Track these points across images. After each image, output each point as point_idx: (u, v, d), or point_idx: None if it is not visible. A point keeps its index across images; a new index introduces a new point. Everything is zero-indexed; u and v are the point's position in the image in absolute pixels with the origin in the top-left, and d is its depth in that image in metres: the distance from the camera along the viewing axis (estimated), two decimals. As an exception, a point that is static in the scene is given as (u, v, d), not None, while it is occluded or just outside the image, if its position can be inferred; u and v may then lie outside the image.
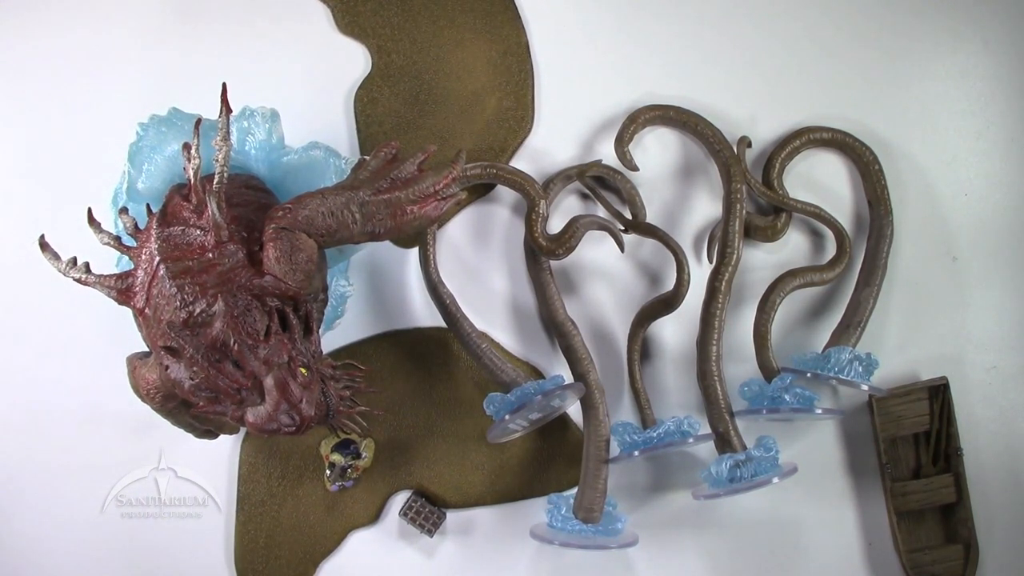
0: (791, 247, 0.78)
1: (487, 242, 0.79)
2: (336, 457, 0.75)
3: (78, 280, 0.64)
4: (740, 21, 0.79)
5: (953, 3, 0.79)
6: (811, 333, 0.77)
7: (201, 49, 0.80)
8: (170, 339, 0.57)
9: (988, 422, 0.76)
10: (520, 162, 0.79)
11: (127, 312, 0.63)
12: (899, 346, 0.76)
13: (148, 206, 0.65)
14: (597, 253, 0.78)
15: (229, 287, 0.59)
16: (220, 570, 0.78)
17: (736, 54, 0.79)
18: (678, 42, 0.79)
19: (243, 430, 0.75)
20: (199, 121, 0.63)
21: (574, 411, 0.77)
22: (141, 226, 0.64)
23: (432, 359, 0.77)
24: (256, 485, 0.77)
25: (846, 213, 0.78)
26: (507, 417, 0.69)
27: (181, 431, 0.69)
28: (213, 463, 0.78)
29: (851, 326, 0.73)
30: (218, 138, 0.60)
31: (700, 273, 0.75)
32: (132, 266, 0.63)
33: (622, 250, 0.75)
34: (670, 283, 0.74)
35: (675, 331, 0.77)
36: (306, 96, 0.79)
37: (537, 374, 0.77)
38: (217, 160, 0.60)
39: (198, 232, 0.61)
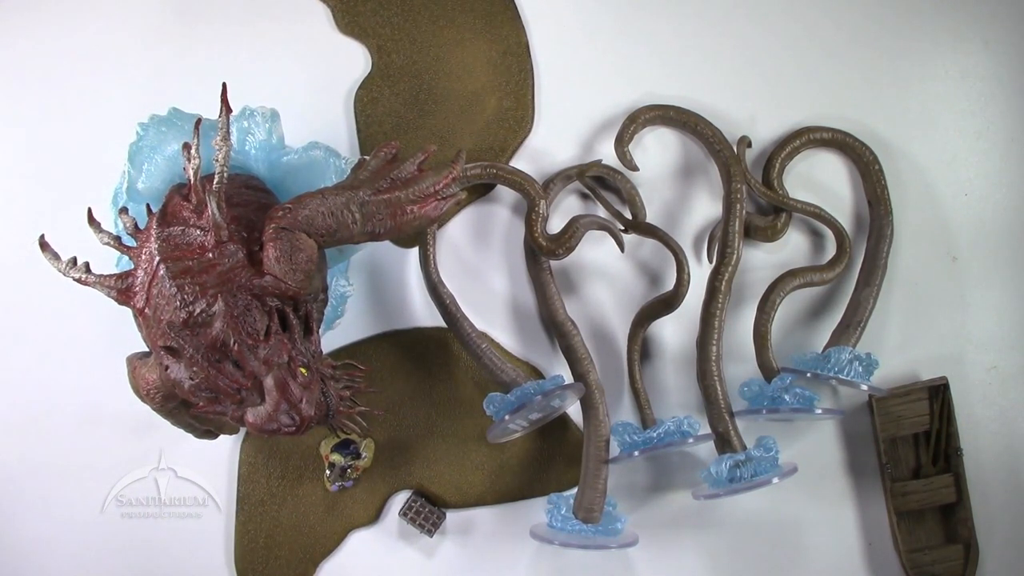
0: (791, 247, 0.78)
1: (487, 242, 0.79)
2: (336, 457, 0.75)
3: (78, 280, 0.63)
4: (740, 21, 0.79)
5: (953, 3, 0.79)
6: (811, 333, 0.77)
7: (201, 49, 0.80)
8: (170, 339, 0.57)
9: (988, 422, 0.76)
10: (520, 162, 0.79)
11: (127, 312, 0.63)
12: (899, 346, 0.76)
13: (148, 206, 0.65)
14: (597, 253, 0.78)
15: (229, 287, 0.59)
16: (220, 570, 0.78)
17: (736, 54, 0.79)
18: (678, 42, 0.79)
19: (243, 430, 0.75)
20: (199, 121, 0.63)
21: (574, 411, 0.77)
22: (141, 226, 0.64)
23: (432, 359, 0.77)
24: (256, 485, 0.77)
25: (846, 213, 0.78)
26: (507, 417, 0.69)
27: (181, 431, 0.69)
28: (213, 463, 0.78)
29: (851, 326, 0.73)
30: (218, 138, 0.60)
31: (700, 273, 0.75)
32: (132, 266, 0.63)
33: (622, 250, 0.75)
34: (670, 283, 0.74)
35: (675, 331, 0.77)
36: (306, 96, 0.79)
37: (537, 374, 0.77)
38: (217, 160, 0.60)
39: (198, 232, 0.61)
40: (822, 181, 0.78)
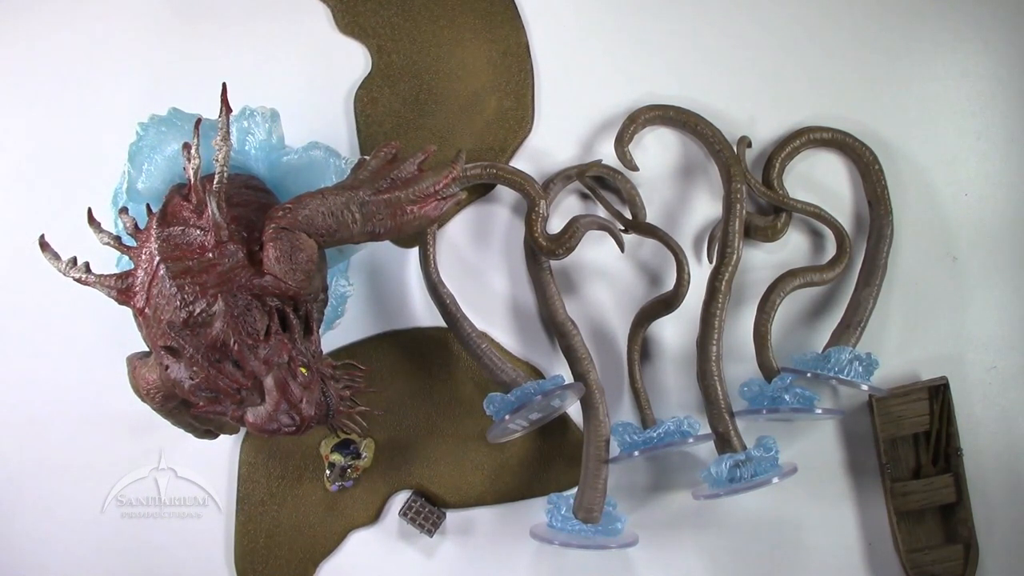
0: (791, 247, 0.78)
1: (487, 242, 0.79)
2: (336, 457, 0.75)
3: (78, 280, 0.63)
4: (740, 21, 0.79)
5: (953, 3, 0.79)
6: (811, 333, 0.77)
7: (201, 49, 0.80)
8: (170, 339, 0.57)
9: (988, 422, 0.76)
10: (520, 162, 0.79)
11: (127, 312, 0.63)
12: (899, 346, 0.76)
13: (148, 206, 0.65)
14: (597, 253, 0.78)
15: (229, 287, 0.59)
16: (220, 570, 0.78)
17: (736, 54, 0.79)
18: (678, 42, 0.79)
19: (243, 430, 0.75)
20: (199, 121, 0.63)
21: (574, 411, 0.77)
22: (141, 226, 0.64)
23: (432, 359, 0.77)
24: (256, 485, 0.77)
25: (846, 213, 0.78)
26: (507, 417, 0.69)
27: (181, 431, 0.69)
28: (213, 463, 0.78)
29: (851, 326, 0.73)
30: (218, 138, 0.60)
31: (700, 273, 0.75)
32: (132, 266, 0.63)
33: (622, 250, 0.75)
34: (670, 283, 0.74)
35: (675, 331, 0.77)
36: (306, 96, 0.79)
37: (537, 374, 0.77)
38: (217, 160, 0.60)
39: (198, 232, 0.61)
40: (822, 181, 0.78)
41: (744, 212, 0.74)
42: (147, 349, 0.64)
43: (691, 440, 0.70)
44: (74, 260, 0.64)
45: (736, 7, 0.79)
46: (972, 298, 0.77)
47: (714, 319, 0.73)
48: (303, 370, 0.58)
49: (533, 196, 0.74)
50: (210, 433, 0.70)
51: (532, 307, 0.78)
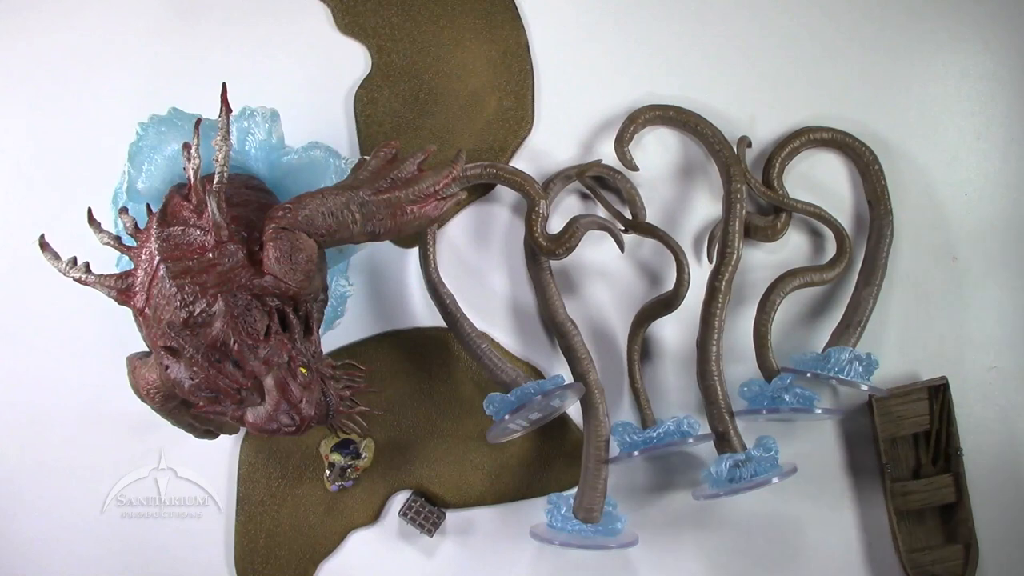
0: (791, 247, 0.78)
1: (487, 242, 0.79)
2: (336, 457, 0.75)
3: (78, 280, 0.63)
4: (740, 21, 0.79)
5: (953, 3, 0.79)
6: (811, 333, 0.77)
7: (201, 49, 0.80)
8: (170, 339, 0.57)
9: (988, 422, 0.76)
10: (520, 162, 0.79)
11: (127, 312, 0.63)
12: (899, 346, 0.76)
13: (148, 206, 0.65)
14: (597, 253, 0.78)
15: (229, 287, 0.59)
16: (220, 570, 0.78)
17: (736, 54, 0.79)
18: (678, 42, 0.79)
19: (243, 430, 0.75)
20: (199, 121, 0.63)
21: (574, 411, 0.77)
22: (141, 226, 0.64)
23: (432, 359, 0.77)
24: (256, 485, 0.77)
25: (846, 213, 0.78)
26: (507, 417, 0.69)
27: (181, 431, 0.69)
28: (213, 463, 0.78)
29: (851, 326, 0.73)
30: (218, 138, 0.60)
31: (700, 273, 0.75)
32: (132, 266, 0.63)
33: (622, 250, 0.75)
34: (670, 283, 0.74)
35: (675, 331, 0.77)
36: (306, 96, 0.79)
37: (537, 374, 0.77)
38: (217, 160, 0.60)
39: (198, 232, 0.61)
40: (822, 181, 0.78)
41: (744, 212, 0.74)
42: (147, 349, 0.64)
43: (691, 440, 0.70)
44: (74, 260, 0.64)
45: (736, 7, 0.79)
46: (972, 298, 0.77)
47: (714, 319, 0.73)
48: (303, 370, 0.58)
49: (533, 196, 0.74)
50: (210, 433, 0.70)
51: (532, 307, 0.78)
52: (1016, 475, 0.76)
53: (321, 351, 0.63)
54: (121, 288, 0.62)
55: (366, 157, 0.68)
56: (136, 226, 0.64)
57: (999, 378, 0.76)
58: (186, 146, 0.63)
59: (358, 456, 0.76)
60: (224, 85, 0.61)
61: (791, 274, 0.74)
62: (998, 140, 0.78)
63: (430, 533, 0.75)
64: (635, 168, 0.76)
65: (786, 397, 0.70)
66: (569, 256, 0.74)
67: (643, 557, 0.76)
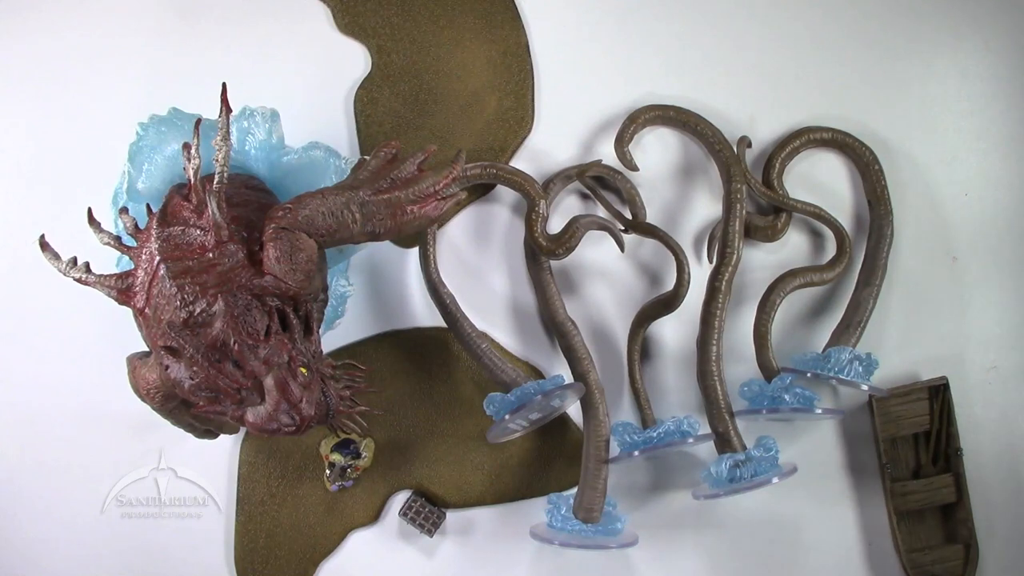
0: (791, 247, 0.78)
1: (487, 242, 0.79)
2: (336, 457, 0.75)
3: (78, 280, 0.63)
4: (740, 21, 0.79)
5: (953, 3, 0.79)
6: (811, 333, 0.77)
7: (201, 49, 0.80)
8: (170, 339, 0.57)
9: (988, 422, 0.76)
10: (520, 162, 0.79)
11: (127, 312, 0.63)
12: (899, 346, 0.76)
13: (148, 206, 0.65)
14: (597, 253, 0.78)
15: (229, 287, 0.59)
16: (220, 570, 0.78)
17: (736, 54, 0.79)
18: (678, 42, 0.79)
19: (243, 430, 0.75)
20: (199, 121, 0.63)
21: (574, 411, 0.77)
22: (141, 226, 0.64)
23: (432, 359, 0.77)
24: (256, 485, 0.77)
25: (846, 213, 0.78)
26: (507, 417, 0.69)
27: (181, 431, 0.69)
28: (213, 463, 0.78)
29: (851, 326, 0.73)
30: (218, 138, 0.60)
31: (700, 273, 0.75)
32: (132, 266, 0.63)
33: (622, 250, 0.75)
34: (670, 283, 0.74)
35: (675, 331, 0.77)
36: (306, 96, 0.79)
37: (537, 374, 0.77)
38: (217, 160, 0.60)
39: (198, 232, 0.61)
40: (822, 181, 0.78)
41: (744, 212, 0.74)
42: (147, 349, 0.64)
43: (691, 440, 0.70)
44: (74, 260, 0.64)
45: (736, 7, 0.79)
46: (972, 298, 0.77)
47: (714, 319, 0.73)
48: (303, 370, 0.58)
49: (533, 196, 0.74)
50: (210, 433, 0.70)
51: (532, 307, 0.78)
52: (1016, 475, 0.76)
53: (321, 351, 0.63)
54: (121, 288, 0.62)
55: (366, 157, 0.68)
56: (136, 226, 0.64)
57: (999, 378, 0.76)
58: (186, 146, 0.63)
59: (358, 456, 0.76)
60: (224, 85, 0.61)
61: (791, 274, 0.74)
62: (998, 140, 0.78)
63: (430, 533, 0.75)
64: (635, 168, 0.76)
65: (786, 397, 0.70)
66: (569, 256, 0.74)
67: (643, 557, 0.76)
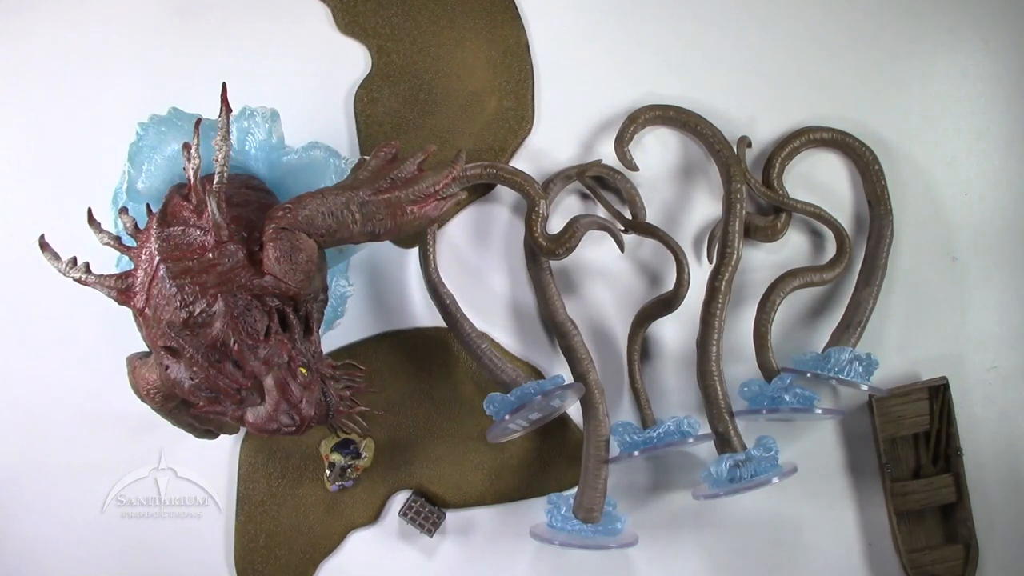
0: (791, 247, 0.78)
1: (487, 242, 0.79)
2: (336, 457, 0.75)
3: (78, 280, 0.63)
4: (740, 21, 0.79)
5: (953, 3, 0.79)
6: (811, 333, 0.77)
7: (201, 49, 0.80)
8: (170, 339, 0.57)
9: (988, 422, 0.76)
10: (520, 162, 0.79)
11: (127, 312, 0.63)
12: (899, 346, 0.76)
13: (148, 206, 0.65)
14: (597, 253, 0.78)
15: (229, 287, 0.59)
16: (220, 570, 0.78)
17: (736, 54, 0.79)
18: (678, 42, 0.79)
19: (243, 430, 0.75)
20: (199, 121, 0.63)
21: (574, 411, 0.77)
22: (141, 226, 0.64)
23: (432, 359, 0.77)
24: (256, 485, 0.77)
25: (846, 213, 0.78)
26: (507, 417, 0.69)
27: (181, 431, 0.69)
28: (213, 463, 0.78)
29: (851, 326, 0.73)
30: (218, 138, 0.60)
31: (700, 273, 0.75)
32: (132, 266, 0.63)
33: (622, 250, 0.75)
34: (670, 283, 0.74)
35: (675, 331, 0.77)
36: (306, 96, 0.79)
37: (537, 374, 0.77)
38: (217, 160, 0.60)
39: (198, 232, 0.61)
40: (822, 181, 0.78)
41: (744, 212, 0.74)
42: (147, 349, 0.64)
43: (691, 440, 0.70)
44: (74, 260, 0.64)
45: (736, 7, 0.79)
46: (972, 298, 0.77)
47: (714, 319, 0.73)
48: (303, 370, 0.58)
49: (533, 196, 0.74)
50: (210, 433, 0.70)
51: (532, 307, 0.78)
52: (1016, 475, 0.76)
53: (321, 351, 0.63)
54: (121, 288, 0.62)
55: (366, 157, 0.68)
56: (136, 226, 0.64)
57: (999, 378, 0.76)
58: (186, 146, 0.63)
59: (358, 456, 0.76)
60: (224, 85, 0.61)
61: (791, 274, 0.74)
62: (998, 140, 0.78)
63: (430, 533, 0.75)
64: (635, 168, 0.76)
65: (786, 397, 0.70)
66: (569, 256, 0.74)
67: (643, 557, 0.76)
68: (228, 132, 0.60)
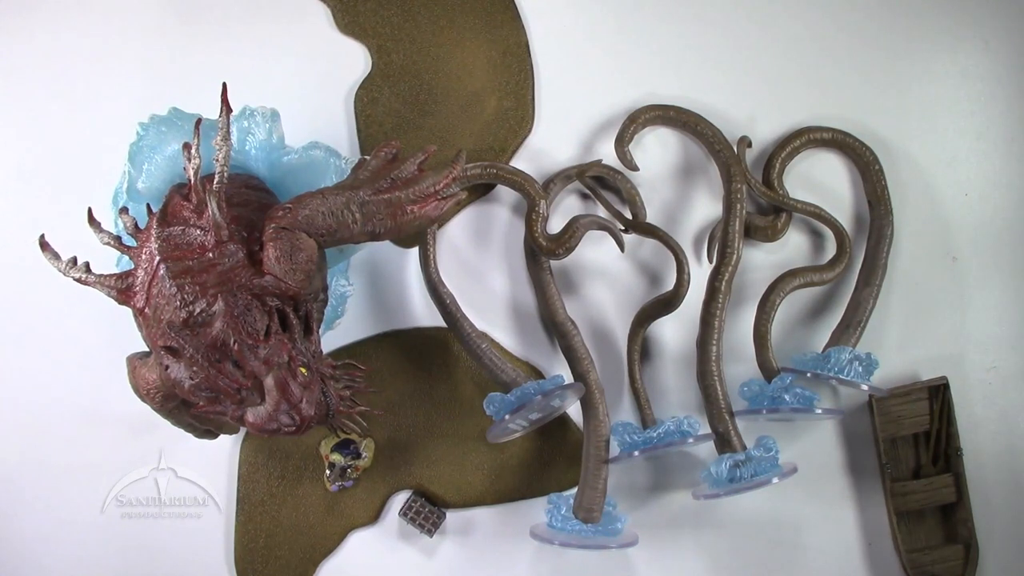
0: (791, 247, 0.78)
1: (487, 242, 0.79)
2: (336, 457, 0.75)
3: (78, 280, 0.63)
4: (740, 21, 0.79)
5: (953, 3, 0.79)
6: (811, 333, 0.77)
7: (201, 49, 0.80)
8: (170, 339, 0.57)
9: (988, 422, 0.76)
10: (520, 162, 0.79)
11: (127, 312, 0.63)
12: (899, 346, 0.76)
13: (148, 206, 0.65)
14: (597, 253, 0.78)
15: (229, 287, 0.59)
16: (220, 570, 0.78)
17: (736, 54, 0.79)
18: (678, 42, 0.79)
19: (243, 430, 0.75)
20: (199, 121, 0.63)
21: (574, 411, 0.77)
22: (141, 226, 0.64)
23: (432, 359, 0.77)
24: (256, 485, 0.77)
25: (846, 213, 0.78)
26: (507, 417, 0.69)
27: (181, 431, 0.69)
28: (213, 463, 0.78)
29: (851, 326, 0.73)
30: (218, 138, 0.60)
31: (700, 273, 0.75)
32: (132, 266, 0.63)
33: (622, 250, 0.75)
34: (670, 283, 0.74)
35: (675, 331, 0.77)
36: (306, 96, 0.79)
37: (537, 374, 0.77)
38: (217, 160, 0.60)
39: (198, 232, 0.61)
40: (822, 181, 0.78)
41: (744, 212, 0.74)
42: (147, 349, 0.64)
43: (691, 440, 0.70)
44: (74, 260, 0.64)
45: (736, 7, 0.79)
46: (972, 298, 0.77)
47: (714, 319, 0.73)
48: (303, 370, 0.58)
49: (533, 196, 0.74)
50: (210, 433, 0.70)
51: (532, 307, 0.78)
52: (1016, 475, 0.76)
53: (321, 351, 0.63)
54: (121, 288, 0.62)
55: (366, 157, 0.68)
56: (136, 226, 0.64)
57: (999, 378, 0.76)
58: (186, 146, 0.63)
59: (358, 456, 0.76)
60: (224, 85, 0.61)
61: (791, 274, 0.74)
62: (998, 140, 0.78)
63: (430, 533, 0.75)
64: (635, 168, 0.76)
65: (786, 397, 0.70)
66: (569, 256, 0.74)
67: (643, 557, 0.76)
68: (228, 132, 0.60)
